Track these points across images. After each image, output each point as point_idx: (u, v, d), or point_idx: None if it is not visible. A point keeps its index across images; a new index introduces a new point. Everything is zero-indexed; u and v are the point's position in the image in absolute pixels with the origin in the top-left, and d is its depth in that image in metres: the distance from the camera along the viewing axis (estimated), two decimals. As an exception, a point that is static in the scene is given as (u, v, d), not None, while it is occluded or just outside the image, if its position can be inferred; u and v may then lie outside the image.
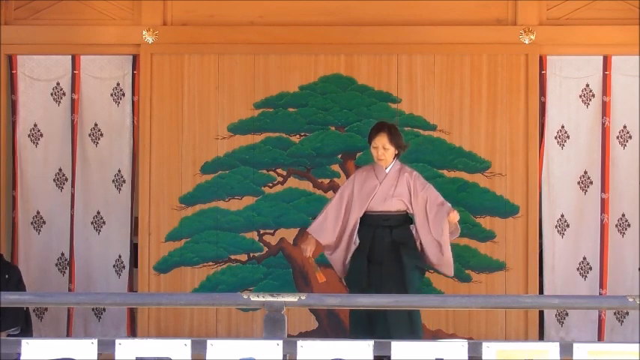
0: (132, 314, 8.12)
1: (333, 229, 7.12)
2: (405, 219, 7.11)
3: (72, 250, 8.02)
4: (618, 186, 8.02)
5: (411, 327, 6.87)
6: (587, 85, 8.06)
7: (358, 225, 7.09)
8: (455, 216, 6.91)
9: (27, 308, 7.64)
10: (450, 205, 7.01)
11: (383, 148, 7.06)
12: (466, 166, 7.98)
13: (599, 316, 7.95)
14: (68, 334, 8.02)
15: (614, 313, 8.00)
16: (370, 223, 7.07)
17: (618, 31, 7.91)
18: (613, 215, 8.00)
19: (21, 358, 4.33)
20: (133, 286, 8.14)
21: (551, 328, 8.01)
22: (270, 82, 8.05)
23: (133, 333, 8.06)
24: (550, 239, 8.04)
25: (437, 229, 6.95)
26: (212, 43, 8.05)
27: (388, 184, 7.08)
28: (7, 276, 7.55)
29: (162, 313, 7.97)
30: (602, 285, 7.94)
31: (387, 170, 7.11)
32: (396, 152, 7.12)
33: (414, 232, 7.06)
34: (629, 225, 8.02)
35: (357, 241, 7.09)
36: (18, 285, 7.57)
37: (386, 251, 6.99)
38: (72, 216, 8.06)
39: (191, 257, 8.00)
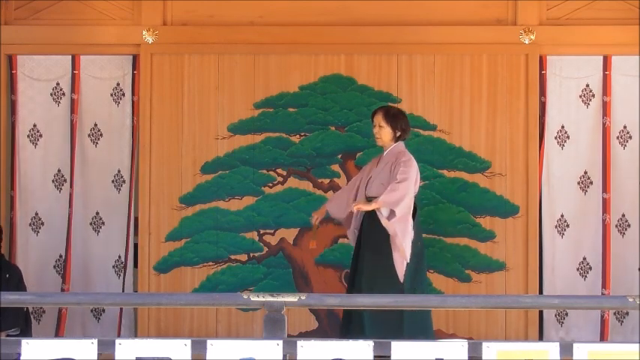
0: (121, 315, 8.10)
1: (345, 205, 7.12)
2: None
3: (68, 251, 8.01)
4: (618, 186, 8.01)
5: (374, 329, 6.80)
6: (587, 85, 8.06)
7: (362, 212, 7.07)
8: (355, 206, 6.90)
9: (27, 309, 7.63)
10: (385, 193, 6.85)
11: (378, 125, 7.08)
12: (466, 166, 7.98)
13: (602, 316, 7.94)
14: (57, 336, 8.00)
15: (614, 314, 8.00)
16: None
17: (618, 31, 7.91)
18: (613, 215, 7.99)
19: (21, 358, 4.33)
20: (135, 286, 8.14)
21: (550, 328, 8.01)
22: (270, 82, 8.05)
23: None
24: (550, 239, 8.03)
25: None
26: (212, 43, 8.05)
27: (379, 168, 7.07)
28: (7, 275, 7.55)
29: (162, 313, 7.97)
30: (604, 285, 7.93)
31: (384, 153, 7.09)
32: (394, 134, 7.06)
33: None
34: (629, 225, 8.02)
35: (358, 228, 7.11)
36: (19, 285, 7.56)
37: (361, 241, 6.96)
38: (70, 217, 8.05)
39: (191, 257, 8.00)
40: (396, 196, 6.83)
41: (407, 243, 6.86)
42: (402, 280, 6.86)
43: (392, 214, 6.81)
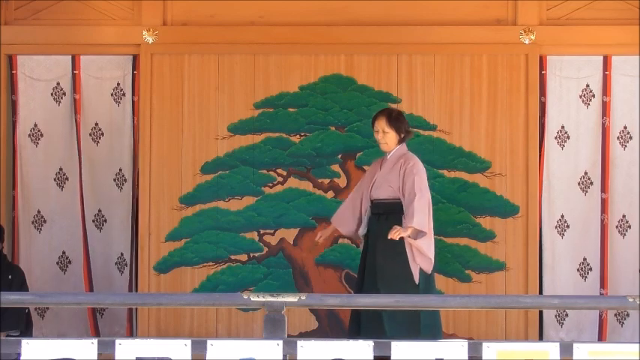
0: (130, 314, 8.11)
1: (352, 218, 7.09)
2: (398, 208, 6.94)
3: (86, 248, 8.01)
4: (618, 187, 8.01)
5: (379, 330, 6.76)
6: (587, 86, 8.05)
7: (369, 214, 7.04)
8: (392, 234, 6.71)
9: (28, 311, 7.64)
10: (413, 212, 6.76)
11: (383, 131, 7.00)
12: (466, 166, 7.98)
13: (601, 316, 7.94)
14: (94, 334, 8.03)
15: (615, 315, 8.00)
16: (371, 211, 7.06)
17: (618, 31, 7.91)
18: (613, 216, 7.99)
19: (21, 358, 4.33)
20: (134, 285, 8.13)
21: (550, 328, 8.00)
22: (270, 82, 8.05)
23: (132, 333, 8.05)
24: (550, 240, 8.03)
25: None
26: (212, 43, 8.05)
27: (385, 171, 7.02)
28: (10, 277, 7.56)
29: (162, 313, 7.97)
30: (603, 285, 7.94)
31: (388, 157, 7.06)
32: (399, 137, 7.02)
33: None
34: (629, 226, 8.01)
35: (365, 230, 7.05)
36: (21, 287, 7.56)
37: (370, 244, 6.92)
38: (73, 215, 8.06)
39: (191, 257, 8.01)
40: (424, 215, 6.80)
41: (432, 253, 6.87)
42: (417, 282, 6.85)
43: (421, 233, 6.80)
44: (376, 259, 6.88)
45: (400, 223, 6.84)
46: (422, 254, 6.83)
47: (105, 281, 8.13)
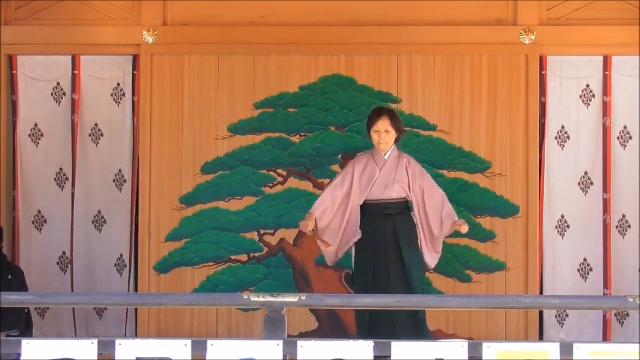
0: (126, 316, 8.11)
1: (330, 212, 7.08)
2: (406, 206, 7.06)
3: (72, 249, 8.03)
4: (618, 187, 8.01)
5: (416, 327, 6.83)
6: (588, 85, 8.06)
7: (359, 216, 7.03)
8: (465, 228, 6.94)
9: (28, 310, 7.64)
10: (451, 208, 7.00)
11: (385, 131, 7.03)
12: (466, 166, 7.98)
13: (604, 316, 7.94)
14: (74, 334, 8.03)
15: (615, 315, 8.00)
16: (370, 212, 7.03)
17: (618, 31, 7.91)
18: (613, 216, 7.99)
19: (21, 358, 4.33)
20: (134, 285, 8.13)
21: (550, 328, 8.00)
22: (270, 82, 8.05)
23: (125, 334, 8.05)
24: (550, 240, 8.03)
25: (436, 226, 6.96)
26: (212, 43, 8.06)
27: (388, 171, 7.04)
28: (9, 276, 7.56)
29: (162, 313, 7.97)
30: (606, 285, 7.94)
31: (385, 156, 7.07)
32: (396, 136, 7.08)
33: (415, 220, 7.05)
34: (629, 226, 8.01)
35: (360, 233, 7.04)
36: (21, 287, 7.57)
37: (389, 244, 6.94)
38: (73, 215, 8.06)
39: (191, 257, 8.01)
40: None
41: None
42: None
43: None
44: (403, 259, 6.91)
45: (412, 221, 6.98)
46: (435, 251, 6.99)
47: (104, 282, 8.13)
